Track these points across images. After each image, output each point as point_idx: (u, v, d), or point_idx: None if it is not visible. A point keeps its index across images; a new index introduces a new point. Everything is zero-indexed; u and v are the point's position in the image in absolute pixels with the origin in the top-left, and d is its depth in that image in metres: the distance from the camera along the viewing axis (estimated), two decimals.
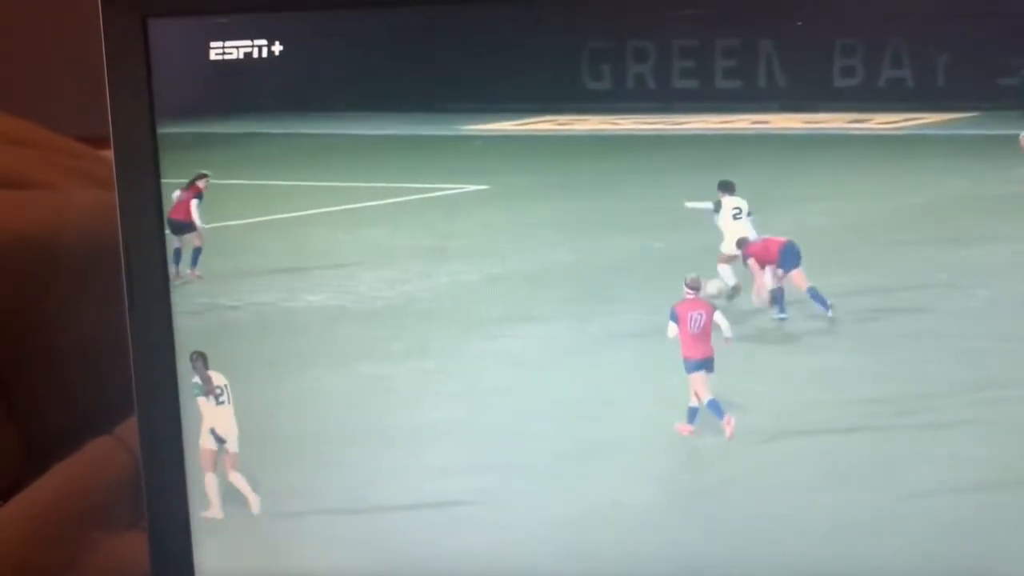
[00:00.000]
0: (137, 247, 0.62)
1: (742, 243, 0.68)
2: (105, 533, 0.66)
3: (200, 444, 0.64)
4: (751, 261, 0.68)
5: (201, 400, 0.64)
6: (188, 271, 0.65)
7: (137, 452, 0.64)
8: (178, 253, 0.65)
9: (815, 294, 0.66)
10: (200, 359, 0.64)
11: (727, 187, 0.65)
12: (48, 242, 0.72)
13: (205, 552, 0.64)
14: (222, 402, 0.64)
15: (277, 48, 0.62)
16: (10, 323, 0.71)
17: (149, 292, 0.62)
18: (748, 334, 0.67)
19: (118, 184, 0.62)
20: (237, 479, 0.65)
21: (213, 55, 0.62)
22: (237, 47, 0.62)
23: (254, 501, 0.64)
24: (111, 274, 0.63)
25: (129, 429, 0.65)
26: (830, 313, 0.65)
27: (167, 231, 0.63)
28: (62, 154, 0.81)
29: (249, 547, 0.65)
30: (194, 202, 0.65)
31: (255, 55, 0.62)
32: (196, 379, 0.64)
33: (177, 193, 0.64)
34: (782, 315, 0.68)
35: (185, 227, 0.65)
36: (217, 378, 0.64)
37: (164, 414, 0.63)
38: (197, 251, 0.66)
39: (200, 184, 0.65)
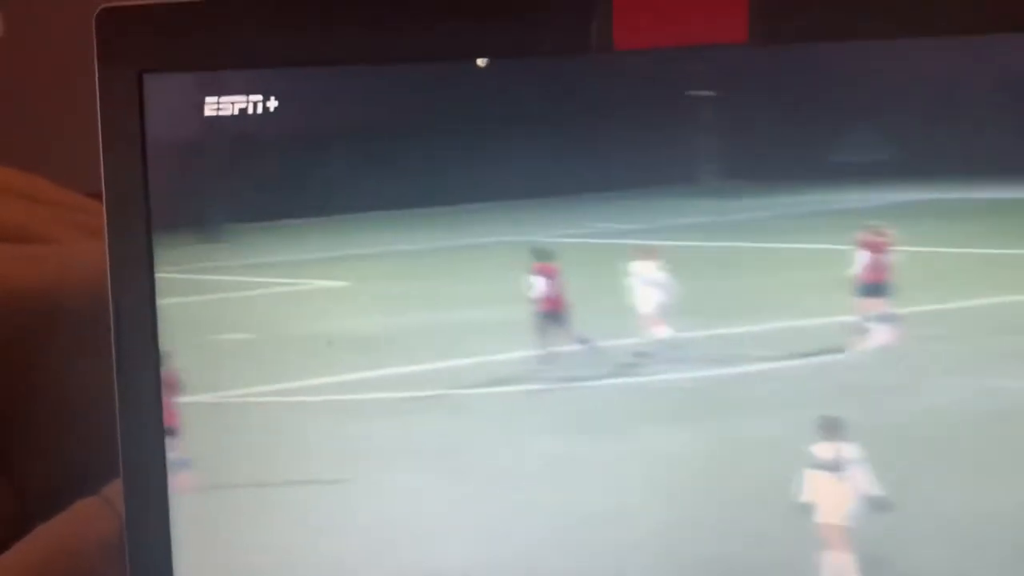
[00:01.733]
0: (127, 304, 0.61)
1: None
2: None
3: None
4: None
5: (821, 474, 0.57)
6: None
7: (123, 514, 0.62)
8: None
9: None
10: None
11: None
12: (49, 298, 0.72)
13: None
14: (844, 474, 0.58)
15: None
16: (7, 377, 0.71)
17: (137, 350, 0.61)
18: None
19: (109, 240, 0.61)
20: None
21: (208, 111, 0.62)
22: (231, 102, 0.61)
23: None
24: (108, 332, 0.62)
25: (116, 490, 0.64)
26: None
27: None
28: (70, 209, 0.81)
29: None
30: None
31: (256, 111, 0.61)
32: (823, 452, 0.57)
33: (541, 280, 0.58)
34: None
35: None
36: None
37: (150, 477, 0.62)
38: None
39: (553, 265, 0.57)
